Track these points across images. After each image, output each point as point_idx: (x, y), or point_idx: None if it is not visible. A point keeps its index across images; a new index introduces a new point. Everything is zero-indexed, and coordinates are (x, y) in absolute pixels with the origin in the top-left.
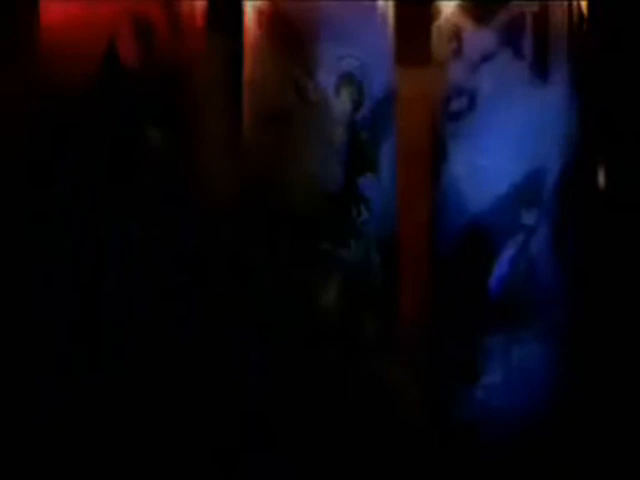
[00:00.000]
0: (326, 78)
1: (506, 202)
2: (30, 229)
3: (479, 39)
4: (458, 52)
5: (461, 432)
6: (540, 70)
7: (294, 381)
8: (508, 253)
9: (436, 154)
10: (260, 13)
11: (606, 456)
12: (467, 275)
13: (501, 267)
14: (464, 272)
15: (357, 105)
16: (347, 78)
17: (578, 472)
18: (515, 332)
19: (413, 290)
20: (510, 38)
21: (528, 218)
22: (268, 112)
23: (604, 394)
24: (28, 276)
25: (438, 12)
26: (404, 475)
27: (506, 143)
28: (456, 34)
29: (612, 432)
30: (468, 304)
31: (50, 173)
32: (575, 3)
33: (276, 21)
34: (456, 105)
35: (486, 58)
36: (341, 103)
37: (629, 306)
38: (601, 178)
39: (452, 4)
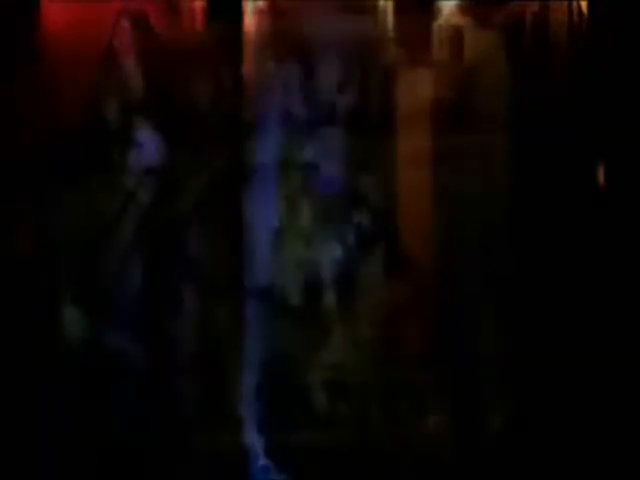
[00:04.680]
0: (327, 78)
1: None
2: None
3: (479, 39)
4: (458, 52)
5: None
6: (540, 70)
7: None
8: None
9: (437, 154)
10: (260, 13)
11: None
12: (468, 274)
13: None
14: (465, 271)
15: (358, 105)
16: (347, 78)
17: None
18: None
19: (415, 290)
20: (510, 38)
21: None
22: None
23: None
24: None
25: (438, 12)
26: None
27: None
28: (456, 34)
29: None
30: (469, 302)
31: (49, 172)
32: (575, 3)
33: (277, 21)
34: (456, 104)
35: (486, 58)
36: (342, 103)
37: (629, 305)
38: (601, 178)
39: (452, 4)
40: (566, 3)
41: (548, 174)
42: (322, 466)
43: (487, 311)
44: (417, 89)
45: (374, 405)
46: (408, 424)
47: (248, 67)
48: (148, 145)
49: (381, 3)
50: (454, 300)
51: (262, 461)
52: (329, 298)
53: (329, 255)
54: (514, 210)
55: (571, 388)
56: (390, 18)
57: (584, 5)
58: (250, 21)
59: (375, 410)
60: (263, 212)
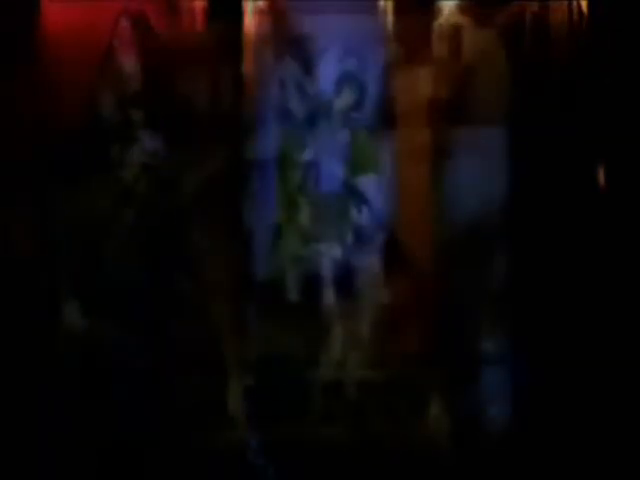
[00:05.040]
0: (327, 77)
1: (507, 206)
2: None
3: (479, 39)
4: (458, 51)
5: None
6: (540, 70)
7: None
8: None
9: (436, 153)
10: (260, 13)
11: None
12: (467, 274)
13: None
14: (464, 271)
15: (357, 104)
16: (348, 77)
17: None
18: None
19: (414, 289)
20: (510, 38)
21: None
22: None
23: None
24: None
25: (438, 12)
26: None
27: (506, 144)
28: (456, 33)
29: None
30: (468, 302)
31: (49, 171)
32: (575, 3)
33: (276, 21)
34: (456, 105)
35: (486, 58)
36: (342, 102)
37: (629, 305)
38: (601, 178)
39: (452, 4)
40: (566, 3)
41: (547, 172)
42: (320, 463)
43: (486, 310)
44: (416, 87)
45: (373, 403)
46: (407, 422)
47: (248, 66)
48: (147, 143)
49: (381, 3)
50: (453, 298)
51: (260, 459)
52: (328, 296)
53: (328, 253)
54: (513, 208)
55: (571, 386)
56: (390, 18)
57: (584, 5)
58: (250, 21)
59: (374, 408)
60: (262, 209)
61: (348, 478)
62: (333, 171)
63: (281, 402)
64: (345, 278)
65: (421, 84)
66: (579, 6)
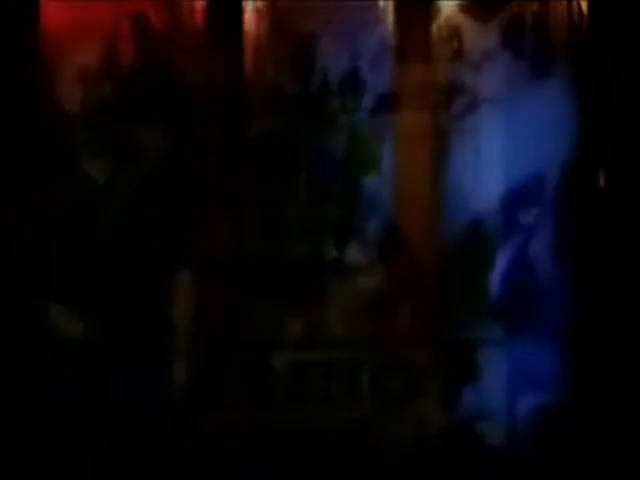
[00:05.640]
0: (327, 77)
1: (506, 201)
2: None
3: (479, 38)
4: (458, 51)
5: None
6: (540, 70)
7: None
8: (508, 252)
9: (437, 153)
10: (260, 13)
11: (607, 456)
12: (468, 274)
13: (501, 266)
14: (465, 271)
15: (359, 103)
16: (348, 77)
17: (579, 472)
18: (514, 331)
19: (414, 290)
20: (510, 38)
21: (527, 218)
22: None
23: (605, 394)
24: None
25: (438, 12)
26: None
27: (506, 143)
28: (456, 33)
29: (613, 432)
30: (469, 303)
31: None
32: (575, 3)
33: (276, 21)
34: (457, 105)
35: (487, 58)
36: (342, 102)
37: (629, 305)
38: (601, 178)
39: (452, 4)
40: (566, 3)
41: (546, 169)
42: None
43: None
44: (416, 86)
45: (366, 386)
46: (398, 406)
47: (248, 65)
48: (145, 138)
49: (381, 3)
50: (448, 282)
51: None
52: (325, 278)
53: (326, 239)
54: (509, 206)
55: (566, 371)
56: (390, 17)
57: (584, 5)
58: (250, 20)
59: (367, 391)
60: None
61: (337, 463)
62: (334, 169)
63: (271, 384)
64: (344, 264)
65: (422, 84)
66: (579, 6)
